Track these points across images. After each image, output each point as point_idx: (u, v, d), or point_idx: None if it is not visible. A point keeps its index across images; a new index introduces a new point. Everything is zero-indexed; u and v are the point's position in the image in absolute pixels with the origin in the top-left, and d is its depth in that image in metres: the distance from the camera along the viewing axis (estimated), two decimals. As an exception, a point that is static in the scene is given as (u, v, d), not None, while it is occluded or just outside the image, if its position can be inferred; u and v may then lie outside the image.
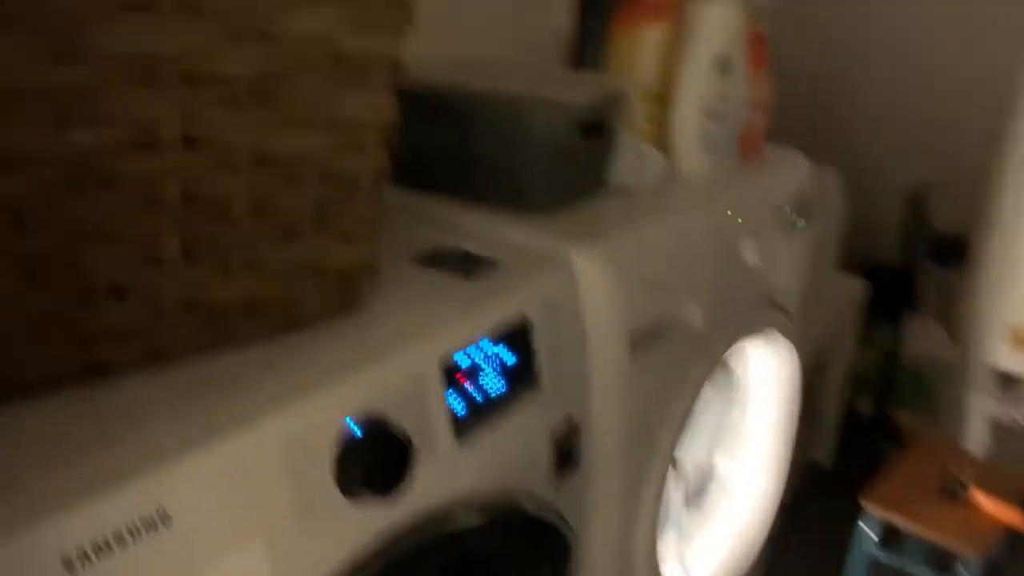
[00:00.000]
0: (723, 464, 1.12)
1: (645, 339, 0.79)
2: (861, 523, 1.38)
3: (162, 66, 0.48)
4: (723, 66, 0.92)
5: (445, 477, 0.61)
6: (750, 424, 1.11)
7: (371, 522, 0.56)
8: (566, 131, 0.80)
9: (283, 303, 0.58)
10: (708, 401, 1.08)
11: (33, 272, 0.48)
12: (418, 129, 0.84)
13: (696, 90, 0.92)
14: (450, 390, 0.61)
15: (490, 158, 0.82)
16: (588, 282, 0.74)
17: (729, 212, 0.90)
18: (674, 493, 0.96)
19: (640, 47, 0.94)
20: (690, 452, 1.02)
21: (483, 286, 0.69)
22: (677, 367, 0.85)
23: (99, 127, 0.47)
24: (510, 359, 0.66)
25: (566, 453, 0.74)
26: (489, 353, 0.64)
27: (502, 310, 0.66)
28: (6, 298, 0.48)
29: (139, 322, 0.53)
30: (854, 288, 1.74)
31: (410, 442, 0.56)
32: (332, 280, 0.60)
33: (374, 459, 0.54)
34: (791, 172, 1.06)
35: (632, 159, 0.89)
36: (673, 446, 0.86)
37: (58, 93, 0.45)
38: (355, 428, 0.54)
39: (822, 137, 2.05)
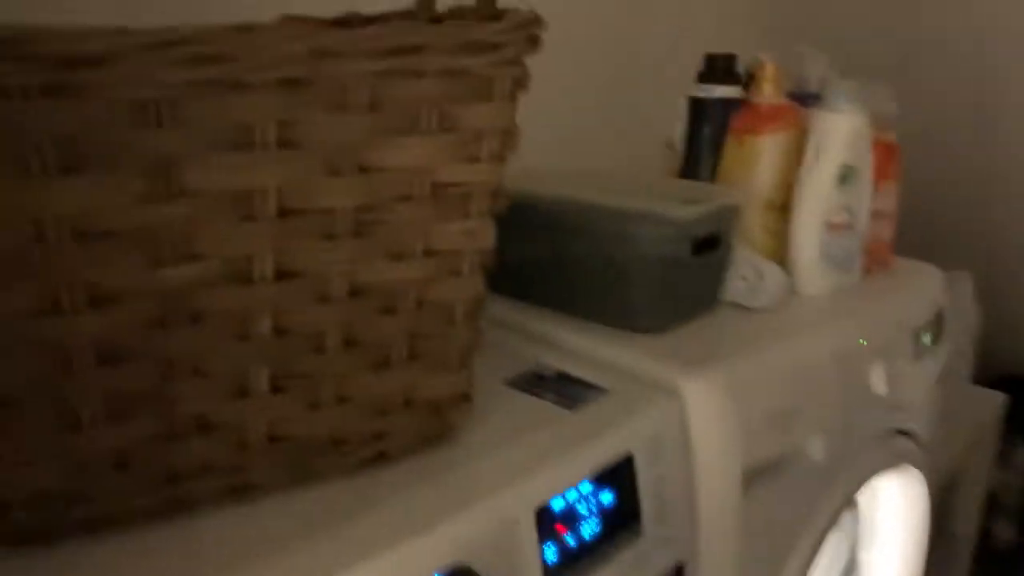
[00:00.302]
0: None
1: (761, 474, 0.73)
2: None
3: (258, 201, 0.47)
4: (847, 176, 0.87)
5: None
6: (876, 562, 1.01)
7: None
8: (675, 247, 0.75)
9: (372, 437, 0.56)
10: (832, 540, 1.00)
11: (120, 406, 0.47)
12: (524, 240, 0.82)
13: (818, 201, 0.87)
14: (545, 539, 0.56)
15: (595, 274, 0.78)
16: (699, 413, 0.68)
17: (862, 342, 0.83)
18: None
19: (757, 156, 0.89)
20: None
21: (584, 417, 0.64)
22: (798, 506, 0.78)
23: (192, 264, 0.46)
24: (609, 498, 0.61)
25: (671, 603, 0.67)
26: (586, 493, 0.59)
27: (605, 447, 0.62)
28: (93, 431, 0.47)
29: (224, 456, 0.51)
30: (991, 402, 1.60)
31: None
32: (423, 412, 0.57)
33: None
34: (922, 287, 0.98)
35: (748, 275, 0.83)
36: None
37: (152, 231, 0.44)
38: (440, 583, 0.50)
39: (953, 240, 1.94)
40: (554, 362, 0.73)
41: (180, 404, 0.49)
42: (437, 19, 0.56)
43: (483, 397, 0.66)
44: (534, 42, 0.53)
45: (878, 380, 0.82)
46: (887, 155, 0.94)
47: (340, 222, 0.50)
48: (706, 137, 0.96)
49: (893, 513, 1.00)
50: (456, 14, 0.56)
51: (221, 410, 0.50)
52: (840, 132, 0.86)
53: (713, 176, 0.95)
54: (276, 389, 0.51)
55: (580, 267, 0.79)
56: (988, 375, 1.66)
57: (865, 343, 0.82)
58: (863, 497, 1.00)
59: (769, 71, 0.90)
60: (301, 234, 0.49)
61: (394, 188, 0.51)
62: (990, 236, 1.92)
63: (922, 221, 2.00)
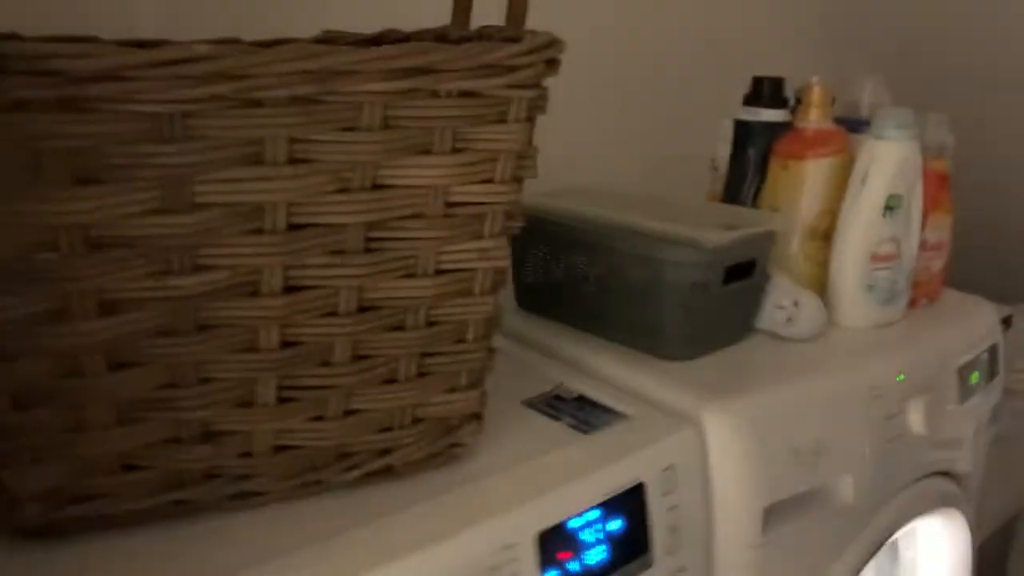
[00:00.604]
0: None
1: (784, 511, 0.71)
2: None
3: (268, 215, 0.47)
4: (894, 206, 0.84)
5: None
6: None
7: None
8: (705, 273, 0.74)
9: (378, 452, 0.56)
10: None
11: (128, 410, 0.48)
12: (558, 259, 0.82)
13: (862, 231, 0.84)
14: (546, 565, 0.55)
15: (625, 297, 0.78)
16: (718, 445, 0.67)
17: (900, 377, 0.80)
18: None
19: (801, 181, 0.87)
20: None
21: (597, 443, 0.64)
22: (825, 547, 0.75)
23: (201, 274, 0.47)
24: (618, 526, 0.60)
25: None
26: (593, 520, 0.59)
27: (615, 473, 0.61)
28: (102, 434, 0.48)
29: (229, 464, 0.52)
30: (1056, 445, 1.52)
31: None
32: (431, 429, 0.57)
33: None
34: (973, 322, 0.94)
35: (785, 304, 0.81)
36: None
37: (163, 242, 0.45)
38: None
39: (1018, 275, 1.86)
40: (578, 385, 0.72)
41: (187, 411, 0.50)
42: (467, 38, 0.56)
43: (498, 417, 0.66)
44: (552, 65, 0.53)
45: (917, 419, 0.79)
46: (939, 185, 0.91)
47: (350, 238, 0.50)
48: (750, 161, 0.94)
49: (934, 556, 0.96)
50: (484, 34, 0.56)
51: (227, 418, 0.51)
52: (887, 160, 0.83)
53: (756, 201, 0.93)
54: (283, 400, 0.52)
55: (610, 289, 0.79)
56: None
57: (903, 378, 0.79)
58: (907, 544, 0.97)
59: (816, 95, 0.88)
60: (310, 249, 0.49)
61: (406, 206, 0.51)
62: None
63: (996, 256, 1.93)
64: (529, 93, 0.52)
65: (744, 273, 0.79)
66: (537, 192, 1.00)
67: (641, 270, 0.75)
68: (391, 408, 0.55)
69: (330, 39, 0.63)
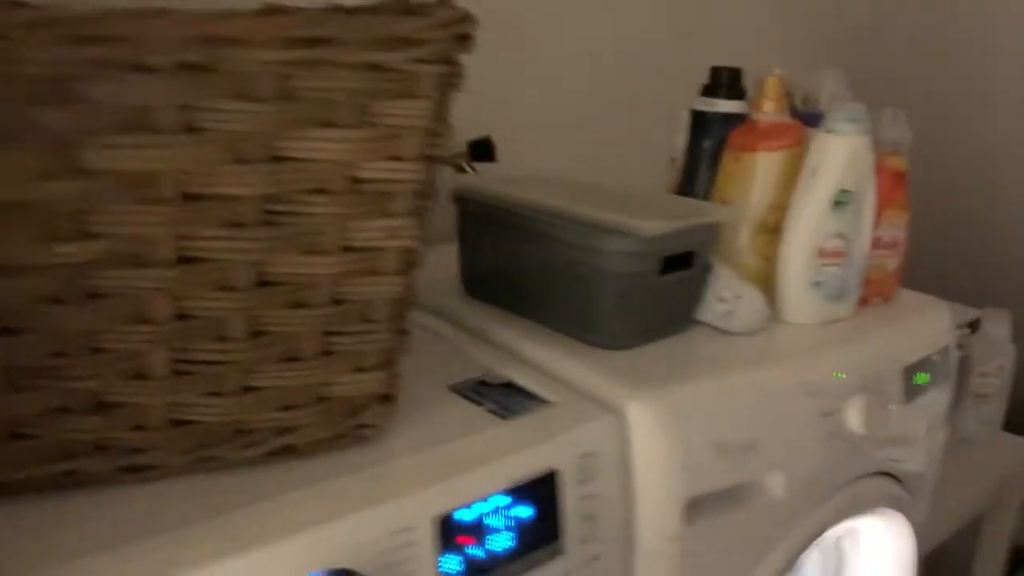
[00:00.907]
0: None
1: (711, 505, 0.70)
2: None
3: (158, 184, 0.46)
4: (844, 202, 0.83)
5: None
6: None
7: None
8: (641, 263, 0.73)
9: (278, 430, 0.55)
10: None
11: (16, 378, 0.48)
12: (499, 246, 0.81)
13: (809, 226, 0.83)
14: (445, 550, 0.55)
15: (562, 285, 0.77)
16: (641, 435, 0.66)
17: (838, 375, 0.79)
18: None
19: (752, 174, 0.86)
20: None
21: (514, 429, 0.63)
22: (754, 542, 0.74)
23: (89, 242, 0.46)
24: (527, 512, 0.59)
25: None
26: (501, 506, 0.58)
27: (527, 460, 0.60)
28: (-12, 400, 0.48)
29: (121, 436, 0.51)
30: (1022, 450, 1.52)
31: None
32: (337, 410, 0.57)
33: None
34: (924, 323, 0.93)
35: (727, 298, 0.80)
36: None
37: (49, 207, 0.45)
38: (318, 584, 0.49)
39: (990, 280, 1.85)
40: (509, 371, 0.72)
41: (76, 380, 0.49)
42: (374, 9, 0.55)
43: (419, 400, 0.65)
44: (464, 41, 0.52)
45: (855, 417, 0.78)
46: (895, 182, 0.90)
47: (247, 211, 0.49)
48: (706, 152, 0.93)
49: (876, 558, 0.95)
50: (392, 7, 0.55)
51: (119, 390, 0.50)
52: (837, 154, 0.82)
53: (710, 193, 0.92)
54: (177, 373, 0.51)
55: (550, 277, 0.78)
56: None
57: (844, 376, 0.78)
58: (851, 546, 0.96)
59: (771, 87, 0.87)
60: (204, 220, 0.48)
61: (307, 180, 0.50)
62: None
63: (962, 257, 1.92)
64: (438, 69, 0.51)
65: (684, 264, 0.78)
66: (493, 178, 1.00)
67: (577, 258, 0.75)
68: (293, 386, 0.54)
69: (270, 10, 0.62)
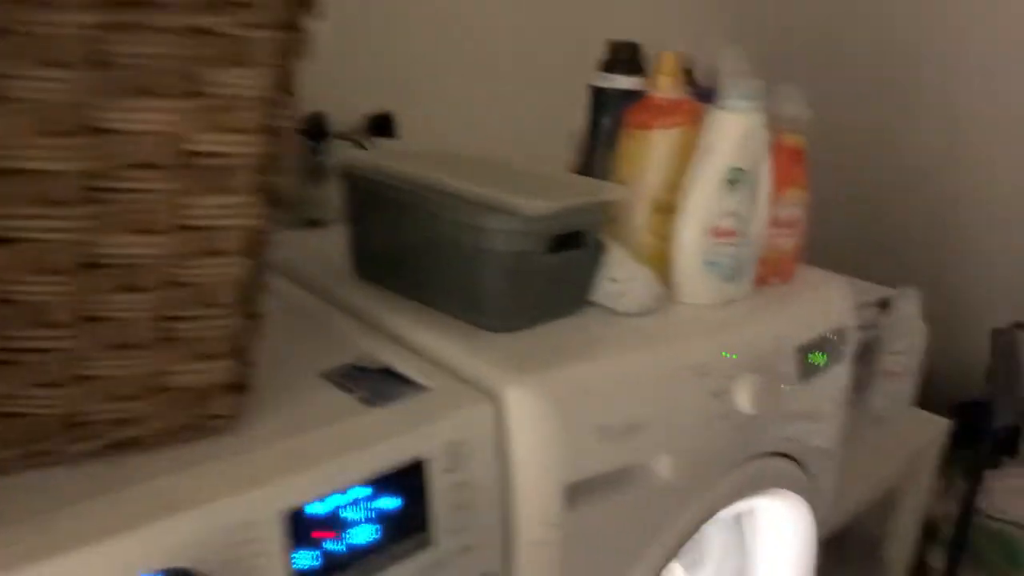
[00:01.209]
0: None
1: (595, 489, 0.68)
2: None
3: (-44, 157, 0.42)
4: (737, 180, 0.81)
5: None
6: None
7: None
8: (526, 242, 0.71)
9: (116, 422, 0.52)
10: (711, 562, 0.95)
11: None
12: (386, 224, 0.78)
13: (702, 205, 0.81)
14: (299, 545, 0.52)
15: (448, 265, 0.74)
16: (519, 420, 0.64)
17: (726, 355, 0.78)
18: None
19: (648, 152, 0.84)
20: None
21: (382, 417, 0.60)
22: (641, 525, 0.73)
23: None
24: (392, 504, 0.57)
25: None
26: (361, 497, 0.55)
27: (392, 449, 0.57)
28: None
29: (-66, 432, 0.48)
30: (933, 427, 1.54)
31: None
32: (182, 400, 0.53)
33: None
34: (821, 302, 0.93)
35: (619, 278, 0.78)
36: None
37: None
38: (148, 585, 0.46)
39: (905, 260, 1.88)
40: (389, 356, 0.69)
41: None
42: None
43: (284, 387, 0.62)
44: (306, 4, 0.48)
45: (745, 398, 0.77)
46: (792, 160, 0.89)
47: (64, 187, 0.45)
48: (604, 129, 0.91)
49: (774, 537, 0.95)
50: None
51: (-72, 382, 0.46)
52: (730, 132, 0.81)
53: (609, 171, 0.90)
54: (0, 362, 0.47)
55: (436, 257, 0.75)
56: (938, 398, 1.60)
57: (734, 357, 0.77)
58: (746, 520, 0.96)
59: (667, 62, 0.85)
60: (17, 197, 0.45)
61: (133, 154, 0.46)
62: (943, 253, 1.87)
63: (872, 236, 1.95)
64: (274, 34, 0.48)
65: (573, 244, 0.76)
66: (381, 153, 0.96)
67: (461, 237, 0.72)
68: (129, 376, 0.51)
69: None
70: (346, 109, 1.01)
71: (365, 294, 0.80)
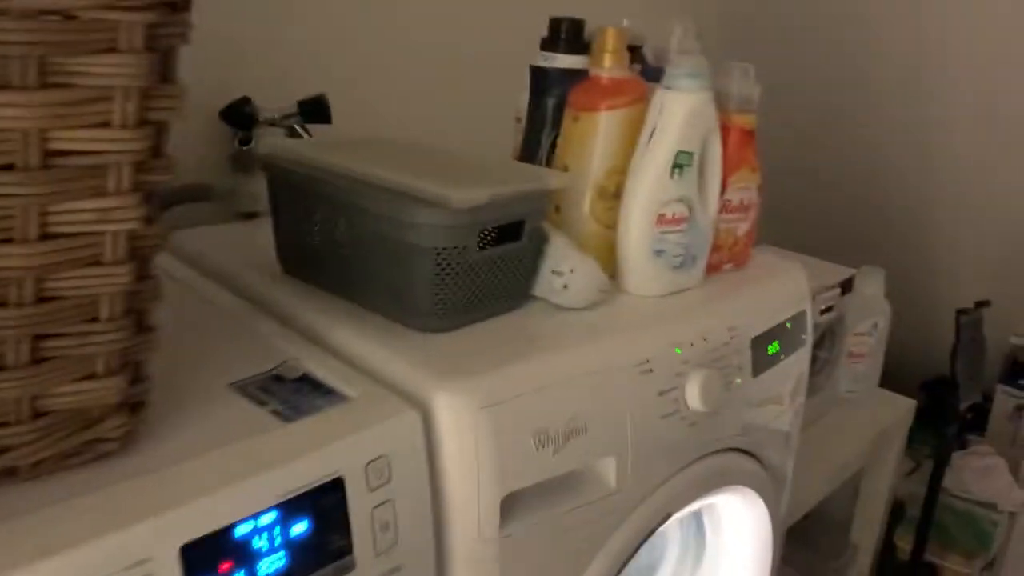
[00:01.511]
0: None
1: (534, 499, 0.64)
2: None
3: None
4: (684, 164, 0.77)
5: None
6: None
7: None
8: (456, 236, 0.66)
9: (-13, 450, 0.47)
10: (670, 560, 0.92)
11: None
12: (312, 218, 0.73)
13: (648, 192, 0.77)
14: (195, 578, 0.47)
15: (376, 261, 0.69)
16: (448, 430, 0.60)
17: (677, 351, 0.74)
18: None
19: (591, 135, 0.80)
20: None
21: (295, 433, 0.55)
22: (587, 533, 0.69)
23: None
24: (304, 526, 0.52)
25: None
26: (268, 523, 0.51)
27: (306, 468, 0.53)
28: None
29: None
30: (899, 408, 1.52)
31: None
32: (64, 424, 0.48)
33: None
34: (778, 289, 0.89)
35: (562, 270, 0.74)
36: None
37: None
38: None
39: (870, 240, 1.86)
40: (311, 362, 0.64)
41: None
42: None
43: (190, 402, 0.57)
44: (178, -16, 0.43)
45: (694, 395, 0.73)
46: (744, 142, 0.85)
47: (-95, 193, 0.40)
48: (547, 112, 0.86)
49: (733, 533, 0.92)
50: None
51: None
52: (676, 113, 0.76)
53: (552, 156, 0.85)
54: None
55: (364, 253, 0.70)
56: (904, 378, 1.58)
57: (681, 351, 0.73)
58: (706, 517, 0.92)
59: (610, 39, 0.80)
60: None
61: (-15, 154, 0.41)
62: (907, 231, 1.84)
63: (834, 216, 1.92)
64: (144, 17, 0.42)
65: (511, 236, 0.71)
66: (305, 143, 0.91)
67: (387, 232, 0.67)
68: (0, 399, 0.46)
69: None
70: (276, 94, 0.95)
71: (290, 293, 0.75)
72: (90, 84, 0.42)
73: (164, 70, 0.45)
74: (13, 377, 0.45)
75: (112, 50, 0.42)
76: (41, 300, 0.45)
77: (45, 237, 0.44)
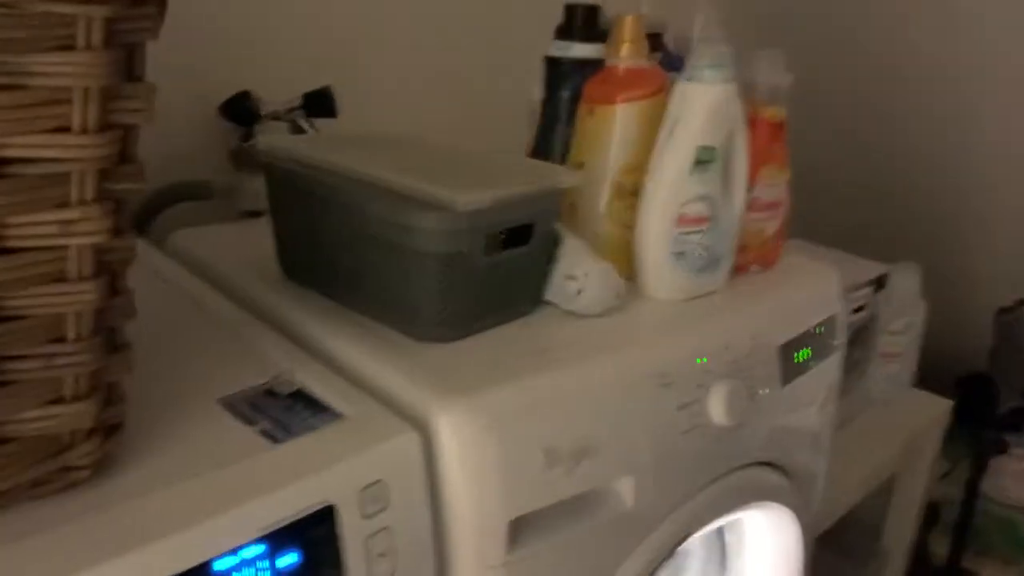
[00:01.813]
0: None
1: (545, 523, 0.60)
2: None
3: None
4: (707, 160, 0.72)
5: None
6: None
7: None
8: (460, 241, 0.62)
9: (-54, 483, 0.43)
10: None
11: None
12: (313, 220, 0.69)
13: (668, 190, 0.72)
14: (171, 619, 0.44)
15: (377, 267, 0.65)
16: (450, 451, 0.56)
17: (701, 360, 0.69)
18: None
19: (608, 130, 0.75)
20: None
21: (284, 455, 0.51)
22: (599, 558, 0.65)
23: None
24: (292, 559, 0.49)
25: None
26: (253, 557, 0.47)
27: (294, 496, 0.49)
28: None
29: None
30: (935, 408, 1.46)
31: None
32: (31, 452, 0.44)
33: None
34: (809, 292, 0.84)
35: (576, 275, 0.70)
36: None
37: None
38: None
39: (905, 235, 1.79)
40: (306, 375, 0.60)
41: None
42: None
43: (173, 421, 0.54)
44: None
45: (718, 408, 0.69)
46: (772, 135, 0.80)
47: None
48: (562, 104, 0.82)
49: (759, 550, 0.87)
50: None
51: None
52: (698, 106, 0.71)
53: (568, 151, 0.81)
54: None
55: (364, 258, 0.66)
56: (939, 378, 1.51)
57: (704, 361, 0.69)
58: (729, 531, 0.88)
59: (628, 27, 0.75)
60: None
61: (-70, 164, 0.37)
62: (944, 227, 1.77)
63: (868, 210, 1.85)
64: (102, 10, 0.38)
65: (522, 238, 0.67)
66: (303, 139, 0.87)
67: (388, 236, 0.63)
68: (-46, 427, 0.42)
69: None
70: (280, 87, 0.92)
71: (289, 299, 0.71)
72: (45, 85, 0.38)
73: (130, 68, 0.41)
74: (-29, 403, 0.42)
75: (69, 47, 0.38)
76: (1, 319, 0.41)
77: (2, 252, 0.40)
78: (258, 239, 0.81)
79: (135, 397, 0.51)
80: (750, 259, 0.82)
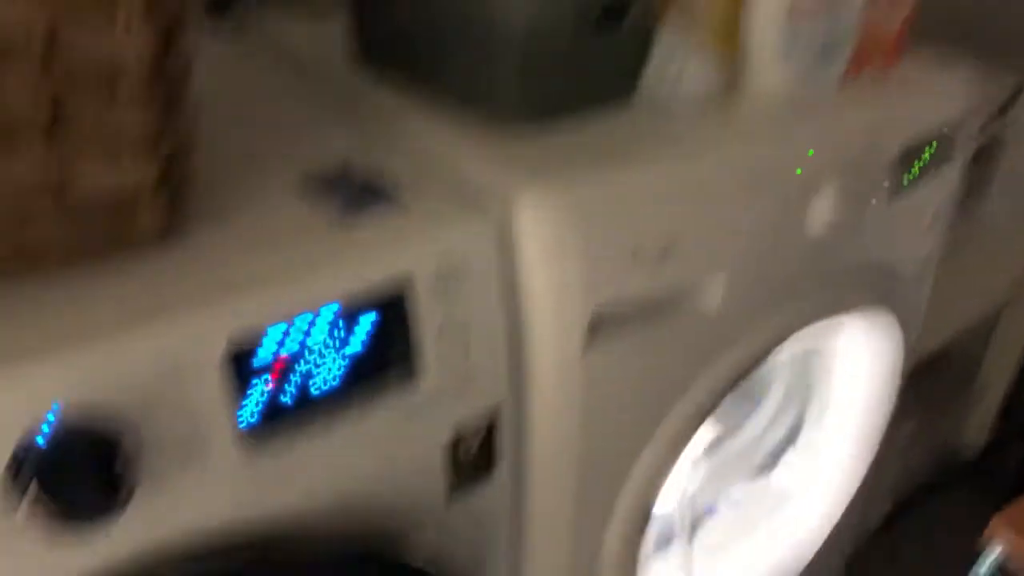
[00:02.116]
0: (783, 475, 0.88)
1: (625, 322, 0.57)
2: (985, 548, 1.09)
3: None
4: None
5: (222, 505, 0.45)
6: (828, 426, 0.86)
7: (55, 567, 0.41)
8: (551, 11, 0.56)
9: (9, 238, 0.42)
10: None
11: None
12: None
13: (781, -27, 0.64)
14: (243, 387, 0.43)
15: (458, 45, 0.60)
16: (530, 236, 0.53)
17: (807, 157, 0.63)
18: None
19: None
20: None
21: (359, 231, 0.49)
22: (685, 360, 0.62)
23: None
24: (364, 335, 0.47)
25: (470, 472, 0.55)
26: (327, 329, 0.46)
27: (369, 270, 0.47)
28: None
29: None
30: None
31: (118, 448, 0.39)
32: (94, 209, 0.43)
33: (73, 471, 0.38)
34: (934, 96, 0.75)
35: (674, 58, 0.63)
36: (666, 470, 0.64)
37: None
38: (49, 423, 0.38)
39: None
40: (380, 155, 0.57)
41: None
42: None
43: (243, 194, 0.52)
44: None
45: (822, 213, 0.63)
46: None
47: None
48: None
49: (850, 367, 0.83)
50: None
51: None
52: None
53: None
54: None
55: (446, 36, 0.61)
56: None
57: (812, 157, 0.63)
58: (828, 347, 0.83)
59: None
60: None
61: None
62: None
63: (1010, 19, 1.65)
64: None
65: (616, 16, 0.60)
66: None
67: (474, 9, 0.58)
68: (14, 181, 0.41)
69: None
70: None
71: (368, 83, 0.67)
72: None
73: None
74: (36, 158, 0.40)
75: None
76: (57, 69, 0.39)
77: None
78: (337, 27, 0.77)
79: (208, 171, 0.49)
80: (867, 57, 0.73)
